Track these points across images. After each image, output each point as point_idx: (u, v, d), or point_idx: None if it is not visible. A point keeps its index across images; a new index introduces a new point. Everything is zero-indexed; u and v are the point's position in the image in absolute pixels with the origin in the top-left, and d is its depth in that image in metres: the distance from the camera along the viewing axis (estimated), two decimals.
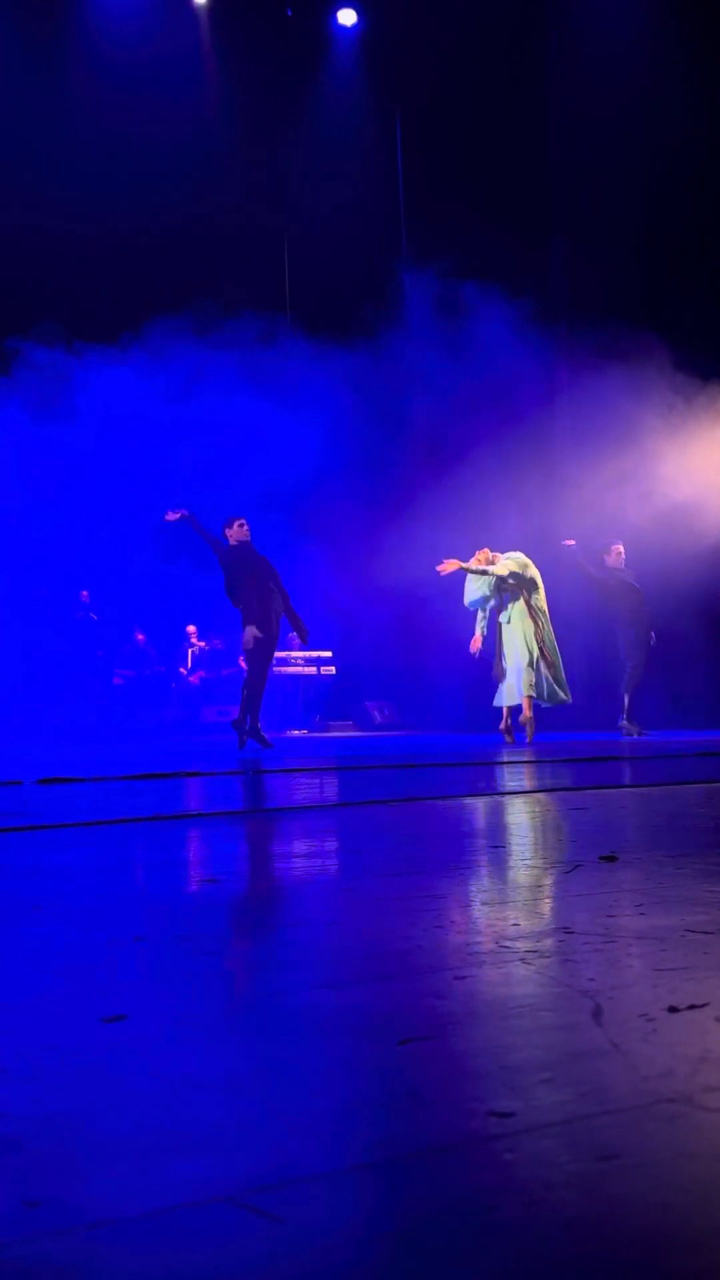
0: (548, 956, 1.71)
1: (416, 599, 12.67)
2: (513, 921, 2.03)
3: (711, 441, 12.15)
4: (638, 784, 5.43)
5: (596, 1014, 1.39)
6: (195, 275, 15.24)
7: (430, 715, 14.98)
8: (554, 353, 14.37)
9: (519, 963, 1.69)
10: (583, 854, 2.85)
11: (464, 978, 1.62)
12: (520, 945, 1.80)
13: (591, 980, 1.57)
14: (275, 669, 15.78)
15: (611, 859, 2.73)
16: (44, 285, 14.94)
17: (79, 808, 4.76)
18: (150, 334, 14.61)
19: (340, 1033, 1.36)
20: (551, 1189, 0.89)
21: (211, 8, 17.41)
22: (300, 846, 3.33)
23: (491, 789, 5.26)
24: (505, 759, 7.70)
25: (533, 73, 15.75)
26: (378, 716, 16.10)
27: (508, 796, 4.89)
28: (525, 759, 7.64)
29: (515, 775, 6.25)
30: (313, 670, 16.10)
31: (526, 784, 5.60)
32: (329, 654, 16.16)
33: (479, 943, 1.87)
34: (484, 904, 2.26)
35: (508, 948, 1.79)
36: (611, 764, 6.89)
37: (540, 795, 4.89)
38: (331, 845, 3.37)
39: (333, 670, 16.18)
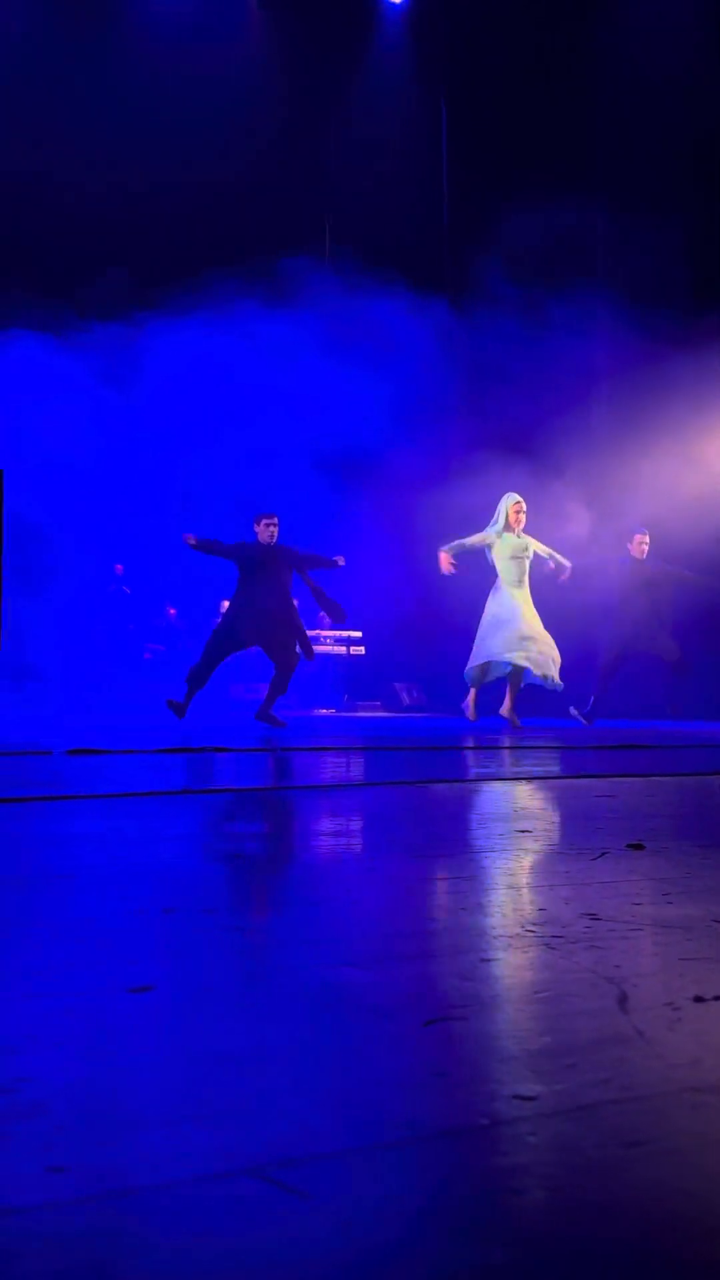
0: (574, 942, 1.71)
1: (449, 580, 12.61)
2: (539, 906, 2.02)
3: None
4: (666, 773, 5.41)
5: (622, 1001, 1.39)
6: (232, 248, 15.19)
7: (458, 697, 14.96)
8: (600, 334, 14.28)
9: (544, 947, 1.68)
10: (609, 841, 2.84)
11: (488, 960, 1.62)
12: (545, 930, 1.80)
13: (617, 967, 1.57)
14: None
15: (639, 847, 2.72)
16: (86, 250, 14.95)
17: (107, 779, 4.79)
18: (180, 307, 14.61)
19: (364, 1010, 1.36)
20: (575, 1173, 0.89)
21: None
22: (325, 824, 3.34)
23: (518, 774, 5.25)
24: (530, 744, 7.68)
25: (581, 51, 15.61)
26: (406, 698, 16.10)
27: (534, 781, 4.88)
28: (550, 745, 7.62)
29: (541, 760, 6.24)
30: (342, 650, 16.10)
31: (553, 770, 5.59)
32: (359, 634, 16.16)
33: (504, 926, 1.87)
34: (509, 888, 2.26)
35: (533, 932, 1.79)
36: (638, 752, 6.86)
37: (567, 781, 4.88)
38: (356, 824, 3.38)
39: (362, 650, 16.18)
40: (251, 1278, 0.75)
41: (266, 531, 9.73)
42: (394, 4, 17.81)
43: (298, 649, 9.87)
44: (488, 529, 10.23)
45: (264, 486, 14.17)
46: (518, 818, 3.51)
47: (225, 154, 15.90)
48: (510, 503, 10.18)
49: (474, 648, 10.19)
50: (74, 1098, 1.06)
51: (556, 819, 3.49)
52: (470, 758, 6.49)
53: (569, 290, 13.54)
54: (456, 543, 10.28)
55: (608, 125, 15.41)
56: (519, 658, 9.82)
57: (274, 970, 1.58)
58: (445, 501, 13.00)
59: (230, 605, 9.82)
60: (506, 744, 7.57)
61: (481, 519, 10.84)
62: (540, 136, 15.15)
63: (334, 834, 3.15)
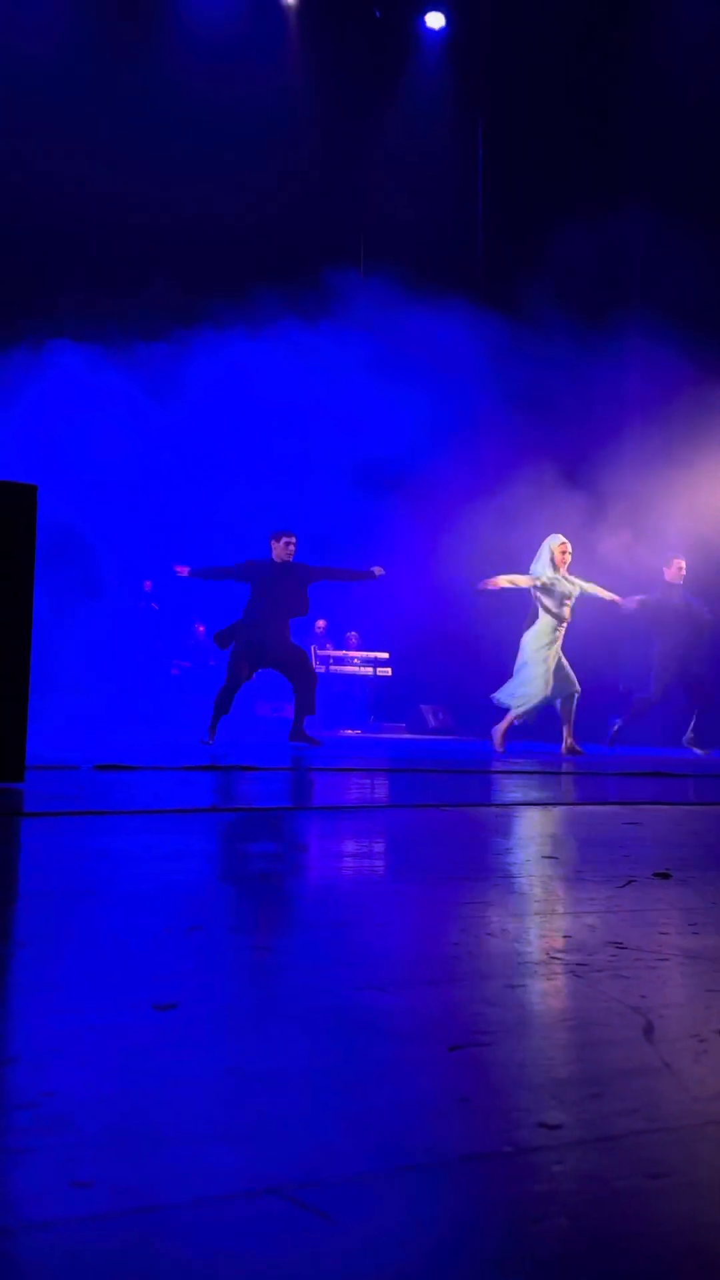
0: (599, 971, 1.71)
1: (477, 602, 12.57)
2: (565, 933, 2.02)
3: None
4: (693, 801, 5.38)
5: (648, 1031, 1.39)
6: (268, 270, 15.30)
7: (485, 721, 14.94)
8: (629, 359, 14.29)
9: (570, 975, 1.68)
10: (636, 870, 2.83)
11: (513, 987, 1.61)
12: (571, 958, 1.80)
13: (643, 997, 1.56)
14: (332, 668, 15.86)
15: (666, 876, 2.71)
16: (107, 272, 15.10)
17: (135, 795, 4.80)
18: (214, 324, 14.72)
19: (389, 1034, 1.36)
20: (599, 1203, 0.89)
21: (300, 8, 17.51)
22: (350, 846, 3.34)
23: (543, 799, 5.23)
24: (557, 769, 7.66)
25: (617, 81, 15.68)
26: (431, 720, 16.08)
27: (559, 807, 4.87)
28: (576, 770, 7.60)
29: (567, 786, 6.22)
30: (369, 671, 16.11)
31: (579, 795, 5.57)
32: (385, 655, 16.17)
33: (529, 953, 1.86)
34: (535, 914, 2.25)
35: (559, 959, 1.79)
36: (665, 780, 6.83)
37: (593, 808, 4.86)
38: (381, 846, 3.38)
39: (389, 672, 16.18)
40: None
41: (285, 550, 9.62)
42: (432, 30, 17.94)
43: (313, 664, 9.89)
44: (535, 568, 10.11)
45: (291, 503, 14.24)
46: (543, 843, 3.50)
47: (265, 174, 16.06)
48: (555, 544, 10.10)
49: (523, 687, 10.08)
50: (99, 1113, 1.07)
51: (582, 846, 3.48)
52: (495, 782, 6.47)
53: (606, 312, 13.57)
54: (506, 578, 10.22)
55: (644, 148, 15.46)
56: (566, 692, 9.90)
57: (298, 991, 1.59)
58: (475, 524, 13.02)
59: (242, 626, 9.64)
60: (531, 769, 7.55)
61: (509, 542, 10.83)
62: (576, 160, 15.22)
63: (358, 856, 3.15)
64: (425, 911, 2.18)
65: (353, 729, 15.69)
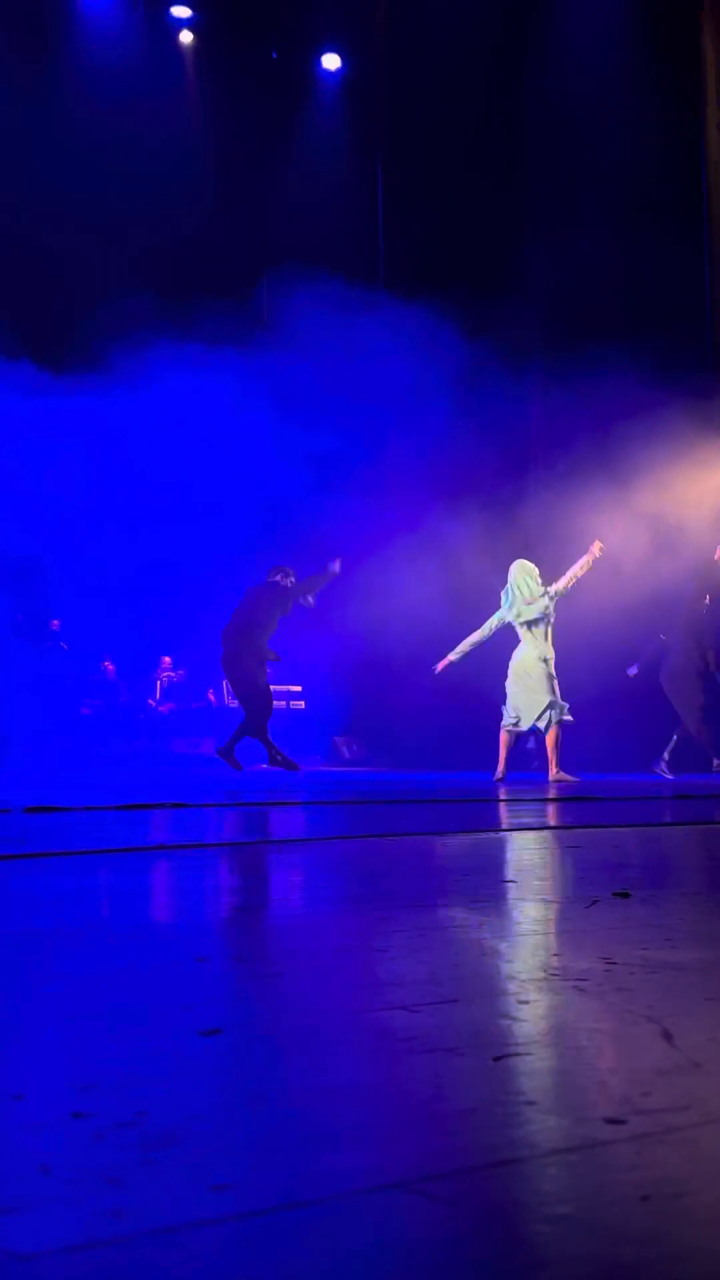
0: (600, 985, 1.81)
1: (389, 633, 12.73)
2: (553, 952, 2.13)
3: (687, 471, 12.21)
4: (620, 824, 5.54)
5: (668, 1037, 1.49)
6: (171, 306, 15.37)
7: (399, 752, 15.09)
8: (531, 385, 14.63)
9: (574, 990, 1.78)
10: (596, 890, 2.95)
11: (527, 1002, 1.71)
12: (568, 974, 1.90)
13: (650, 1007, 1.67)
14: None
15: (626, 895, 2.84)
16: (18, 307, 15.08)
17: (78, 836, 4.82)
18: (120, 360, 14.75)
19: (431, 1049, 1.45)
20: (686, 1183, 0.99)
21: (197, 47, 17.71)
22: (318, 876, 3.42)
23: (483, 825, 5.35)
24: (488, 796, 7.79)
25: (511, 118, 16.10)
26: (345, 752, 16.18)
27: (504, 833, 4.99)
28: (499, 798, 7.74)
29: (497, 812, 6.35)
30: (282, 704, 16.16)
31: (516, 821, 5.70)
32: (298, 688, 16.24)
33: (528, 971, 1.96)
34: (519, 935, 2.36)
35: (557, 976, 1.89)
36: (589, 804, 7.00)
37: (536, 832, 5.00)
38: (348, 876, 3.46)
39: (302, 705, 16.25)
40: (422, 1266, 0.84)
41: (285, 583, 9.98)
42: (329, 71, 18.24)
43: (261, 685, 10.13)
44: (504, 608, 10.13)
45: (197, 539, 14.30)
46: (499, 868, 3.61)
47: (164, 213, 16.18)
48: (525, 571, 10.14)
49: (521, 704, 10.13)
50: (199, 1128, 1.14)
51: (538, 869, 3.60)
52: (440, 811, 6.58)
53: (509, 346, 13.87)
54: (467, 642, 10.28)
55: (540, 182, 15.88)
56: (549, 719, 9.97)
57: (330, 1012, 1.67)
58: (387, 557, 13.18)
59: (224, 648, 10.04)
60: (474, 798, 7.67)
61: (420, 572, 10.99)
62: (474, 196, 15.56)
63: (329, 885, 3.23)
64: (416, 936, 2.27)
65: (264, 763, 15.70)
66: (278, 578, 10.09)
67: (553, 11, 15.63)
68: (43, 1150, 1.07)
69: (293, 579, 10.06)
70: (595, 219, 14.61)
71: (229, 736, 10.22)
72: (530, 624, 10.04)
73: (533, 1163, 1.04)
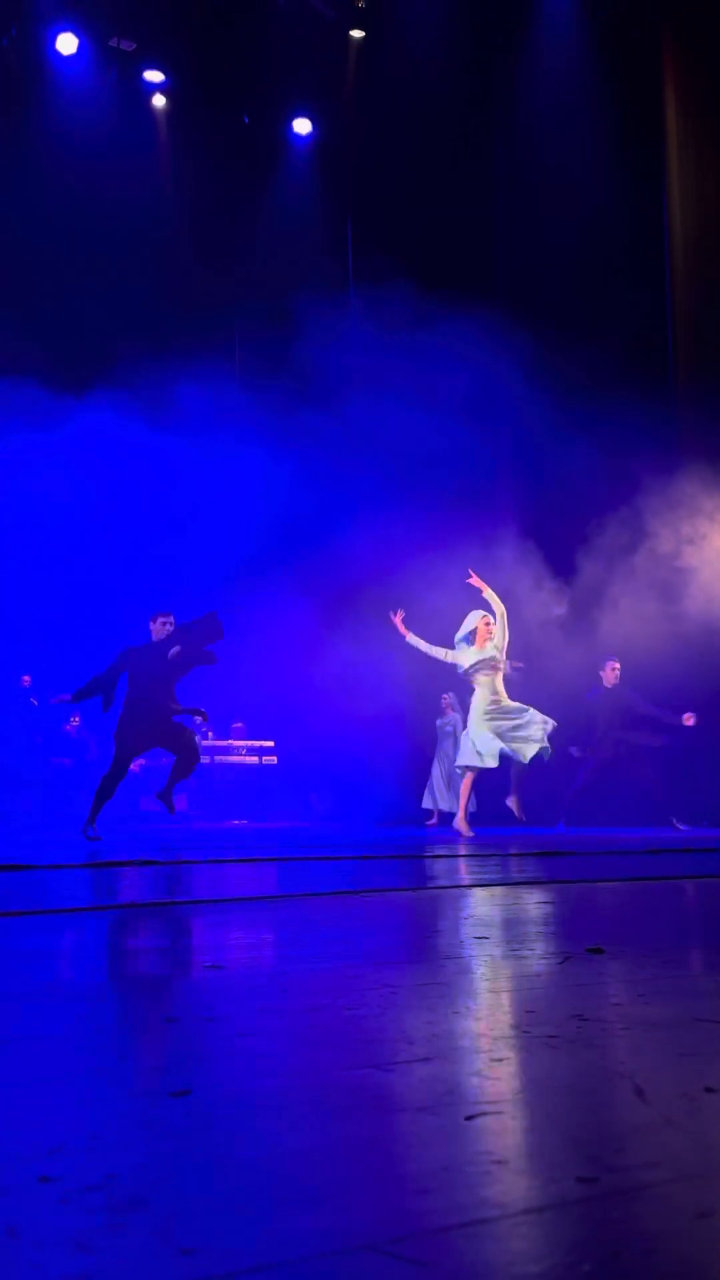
0: (572, 1042, 1.81)
1: (364, 688, 12.73)
2: (526, 1009, 2.12)
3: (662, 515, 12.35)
4: (586, 879, 5.53)
5: (639, 1093, 1.49)
6: (146, 364, 15.47)
7: (371, 807, 15.04)
8: (504, 442, 14.78)
9: (546, 1047, 1.77)
10: (568, 945, 2.95)
11: (500, 1060, 1.71)
12: (540, 1031, 1.89)
13: (622, 1063, 1.67)
14: (216, 759, 15.85)
15: (599, 951, 2.83)
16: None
17: (46, 894, 4.78)
18: (92, 413, 14.83)
19: (403, 1108, 1.44)
20: (661, 1239, 0.99)
21: (170, 111, 17.97)
22: (286, 934, 3.40)
23: (451, 882, 5.34)
24: (445, 852, 7.76)
25: (480, 177, 16.35)
26: (319, 807, 16.11)
27: (474, 889, 4.97)
28: (462, 853, 7.71)
29: (462, 868, 6.33)
30: (254, 760, 16.11)
31: (483, 877, 5.69)
32: (271, 744, 16.20)
33: (499, 1028, 1.96)
34: (491, 992, 2.35)
35: (529, 1033, 1.88)
36: (552, 859, 6.98)
37: (506, 888, 4.98)
38: (318, 933, 3.44)
39: (274, 760, 16.20)
40: None
41: (163, 630, 9.71)
42: (300, 135, 18.53)
43: (194, 728, 9.98)
44: (458, 646, 10.49)
45: (167, 587, 14.29)
46: (469, 924, 3.60)
47: (137, 272, 16.35)
48: (479, 620, 10.46)
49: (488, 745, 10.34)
50: (167, 1191, 1.13)
51: (509, 924, 3.59)
52: (404, 866, 6.55)
53: (476, 405, 14.00)
54: (425, 644, 10.69)
55: (508, 242, 16.12)
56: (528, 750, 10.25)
57: (298, 1073, 1.65)
58: (359, 608, 13.20)
59: (125, 709, 9.67)
60: (435, 853, 7.65)
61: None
62: (443, 258, 15.76)
63: (298, 943, 3.20)
64: (388, 994, 2.26)
65: (239, 819, 15.64)
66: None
67: (518, 73, 15.96)
68: (9, 1214, 1.06)
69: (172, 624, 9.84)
70: (563, 280, 14.84)
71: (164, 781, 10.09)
72: (480, 670, 10.36)
73: (504, 1222, 1.03)
